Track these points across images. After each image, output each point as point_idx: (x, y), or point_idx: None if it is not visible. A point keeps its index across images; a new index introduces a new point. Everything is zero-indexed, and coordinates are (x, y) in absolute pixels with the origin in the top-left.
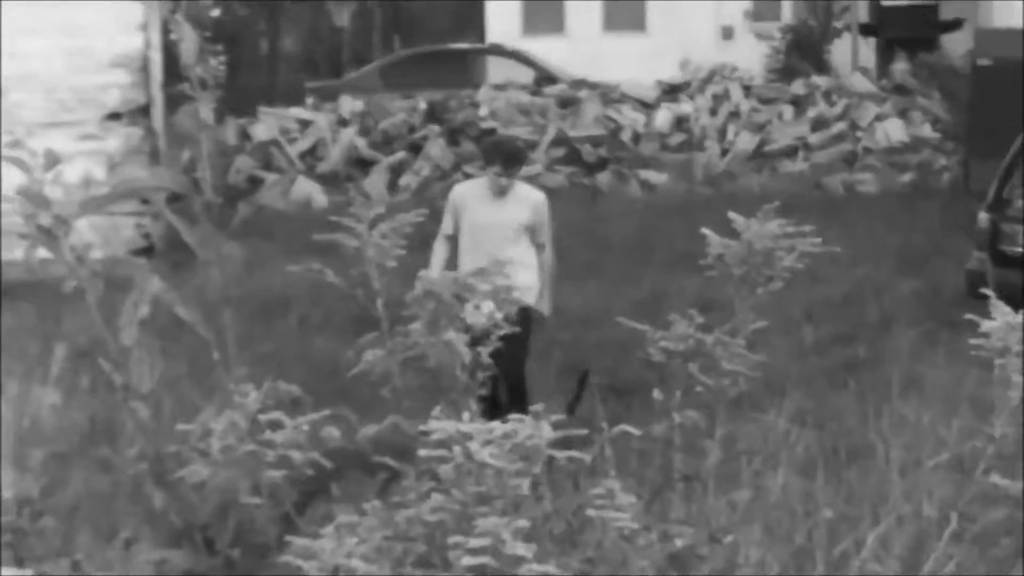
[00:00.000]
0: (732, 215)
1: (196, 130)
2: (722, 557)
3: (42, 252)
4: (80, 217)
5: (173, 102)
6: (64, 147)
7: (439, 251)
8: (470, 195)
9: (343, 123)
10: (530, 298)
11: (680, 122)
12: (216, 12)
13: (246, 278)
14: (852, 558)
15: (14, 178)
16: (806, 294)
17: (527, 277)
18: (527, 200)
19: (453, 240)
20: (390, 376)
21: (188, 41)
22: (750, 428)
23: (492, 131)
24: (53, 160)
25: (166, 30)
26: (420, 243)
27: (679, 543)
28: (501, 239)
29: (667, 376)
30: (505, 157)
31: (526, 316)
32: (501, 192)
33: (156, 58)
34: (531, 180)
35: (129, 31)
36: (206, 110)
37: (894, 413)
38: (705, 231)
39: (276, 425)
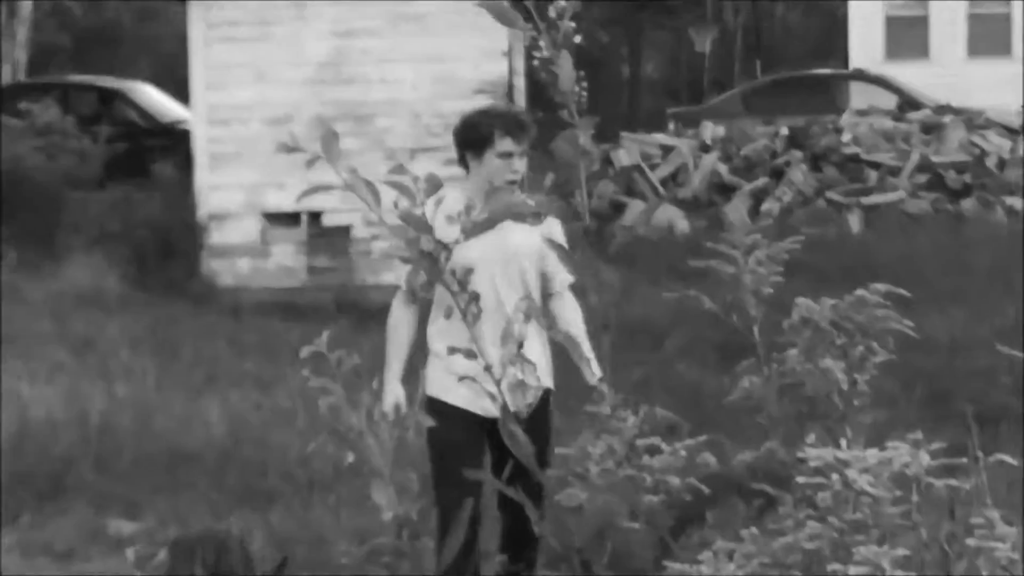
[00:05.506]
0: None
1: (575, 156)
2: None
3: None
4: (463, 242)
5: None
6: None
7: (402, 319)
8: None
9: (705, 148)
10: (546, 378)
11: None
12: (578, 39)
13: (623, 304)
14: None
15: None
16: None
17: (538, 350)
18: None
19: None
20: (766, 403)
21: (565, 68)
22: None
23: (855, 156)
24: (435, 185)
25: (529, 57)
26: (793, 270)
27: None
28: (505, 286)
29: None
30: (513, 125)
31: (544, 403)
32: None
33: (520, 84)
34: (894, 207)
35: (493, 57)
36: (585, 136)
37: None
38: None
39: (654, 450)
